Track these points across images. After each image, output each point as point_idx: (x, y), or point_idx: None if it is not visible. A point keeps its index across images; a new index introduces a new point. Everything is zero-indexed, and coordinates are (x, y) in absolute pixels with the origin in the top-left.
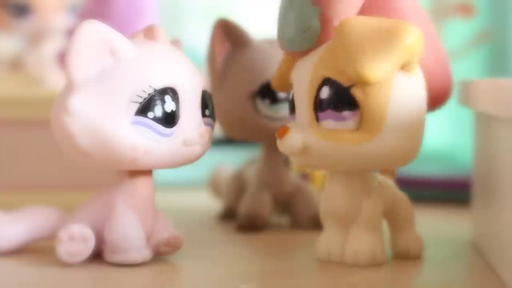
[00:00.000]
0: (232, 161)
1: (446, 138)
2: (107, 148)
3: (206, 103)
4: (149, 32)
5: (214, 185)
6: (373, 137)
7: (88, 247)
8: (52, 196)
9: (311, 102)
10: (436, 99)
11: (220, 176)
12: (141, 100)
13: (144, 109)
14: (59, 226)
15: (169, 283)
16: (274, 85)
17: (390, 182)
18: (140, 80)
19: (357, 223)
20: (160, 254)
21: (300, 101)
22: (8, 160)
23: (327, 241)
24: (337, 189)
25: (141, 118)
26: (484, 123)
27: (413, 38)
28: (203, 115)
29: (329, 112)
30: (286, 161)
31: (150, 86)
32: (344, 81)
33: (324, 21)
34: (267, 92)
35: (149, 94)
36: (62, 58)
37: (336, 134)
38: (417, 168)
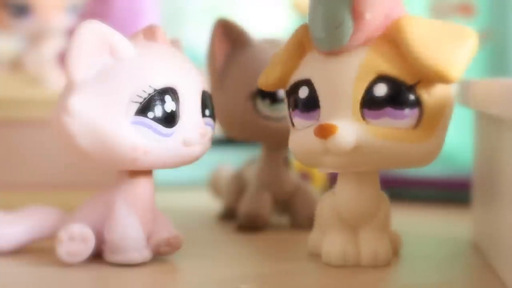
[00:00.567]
0: (232, 161)
1: (446, 138)
2: (107, 148)
3: (206, 103)
4: (149, 32)
5: (214, 185)
6: (431, 136)
7: (88, 247)
8: (52, 196)
9: (359, 99)
10: None
11: (220, 176)
12: (141, 100)
13: (144, 109)
14: (59, 226)
15: (169, 283)
16: (266, 83)
17: None
18: (140, 80)
19: (374, 224)
20: (160, 254)
21: (334, 98)
22: (8, 160)
23: (339, 244)
24: (351, 190)
25: (141, 118)
26: (484, 123)
27: (476, 39)
28: (203, 115)
29: (387, 110)
30: (286, 161)
31: (150, 86)
32: (406, 79)
33: (356, 14)
34: (267, 92)
35: (149, 94)
36: (62, 58)
37: (393, 132)
38: (417, 168)
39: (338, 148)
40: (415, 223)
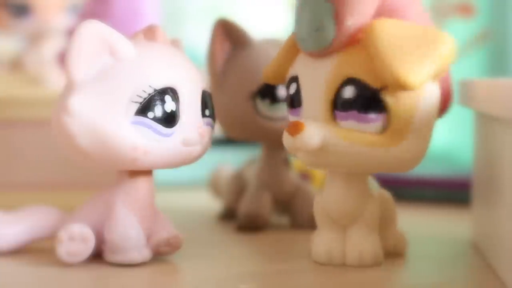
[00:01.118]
0: (232, 161)
1: (446, 138)
2: (107, 148)
3: (206, 103)
4: (149, 32)
5: (214, 185)
6: (398, 142)
7: (88, 247)
8: (52, 196)
9: (329, 100)
10: (444, 104)
11: (220, 176)
12: (141, 100)
13: (144, 109)
14: (59, 226)
15: (169, 283)
16: (266, 76)
17: (373, 181)
18: (140, 80)
19: (360, 223)
20: (160, 254)
21: (311, 97)
22: (8, 160)
23: (325, 243)
24: (338, 189)
25: (141, 118)
26: (484, 123)
27: (451, 46)
28: (203, 115)
29: (353, 112)
30: (286, 161)
31: (150, 86)
32: (373, 83)
33: (338, 19)
34: (267, 92)
35: (149, 94)
36: (62, 58)
37: (359, 136)
38: (417, 168)
39: (304, 146)
40: (415, 223)
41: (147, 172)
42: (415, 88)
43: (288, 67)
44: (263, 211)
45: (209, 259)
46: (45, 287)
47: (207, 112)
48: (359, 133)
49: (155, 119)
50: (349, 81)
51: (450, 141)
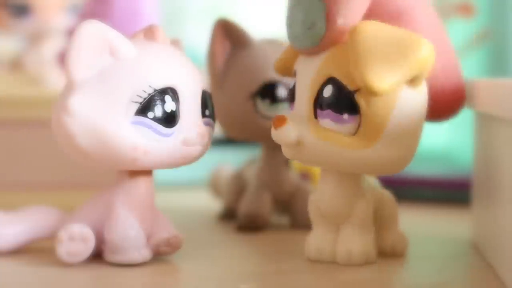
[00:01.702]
0: (232, 161)
1: (446, 138)
2: (107, 148)
3: (206, 103)
4: (149, 32)
5: (214, 185)
6: (370, 145)
7: (88, 247)
8: (52, 196)
9: (312, 98)
10: (445, 109)
11: (220, 176)
12: (141, 100)
13: (144, 109)
14: (59, 226)
15: (169, 283)
16: (276, 67)
17: (374, 181)
18: (140, 80)
19: (350, 222)
20: (160, 254)
21: (301, 94)
22: (8, 160)
23: (317, 240)
24: (330, 188)
25: (141, 118)
26: (484, 123)
27: (425, 53)
28: (203, 115)
29: (329, 112)
30: (286, 161)
31: (150, 86)
32: (349, 85)
33: (329, 18)
34: (267, 92)
35: (149, 94)
36: (62, 58)
37: (333, 135)
38: (417, 168)
39: (282, 140)
40: (415, 223)
41: (147, 172)
42: (383, 94)
43: (294, 61)
44: (263, 211)
45: (209, 259)
46: (45, 287)
47: (207, 112)
48: (334, 133)
49: (155, 119)
50: (330, 80)
51: (450, 141)
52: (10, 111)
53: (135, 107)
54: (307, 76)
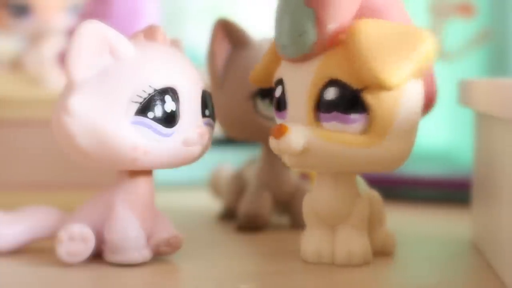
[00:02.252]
0: (232, 161)
1: (446, 138)
2: (107, 148)
3: (206, 103)
4: (149, 32)
5: (214, 185)
6: (380, 142)
7: (88, 247)
8: (52, 196)
9: (312, 102)
10: (429, 102)
11: (220, 176)
12: (141, 100)
13: (144, 109)
14: (59, 226)
15: (169, 283)
16: (253, 78)
17: (360, 180)
18: (140, 80)
19: (348, 223)
20: (160, 254)
21: (296, 100)
22: (8, 160)
23: (315, 243)
24: (326, 189)
25: (141, 118)
26: (484, 123)
27: (431, 45)
28: (203, 115)
29: (335, 114)
30: None
31: (150, 86)
32: (354, 84)
33: (319, 23)
34: (267, 92)
35: (149, 94)
36: (62, 58)
37: (342, 137)
38: (417, 168)
39: (288, 149)
40: (415, 223)
41: (147, 172)
42: (395, 88)
43: (274, 70)
44: (263, 211)
45: (209, 259)
46: (45, 287)
47: (207, 112)
48: (342, 134)
49: (155, 119)
50: (332, 82)
51: (450, 141)
52: (10, 111)
53: (135, 107)
54: (301, 82)
